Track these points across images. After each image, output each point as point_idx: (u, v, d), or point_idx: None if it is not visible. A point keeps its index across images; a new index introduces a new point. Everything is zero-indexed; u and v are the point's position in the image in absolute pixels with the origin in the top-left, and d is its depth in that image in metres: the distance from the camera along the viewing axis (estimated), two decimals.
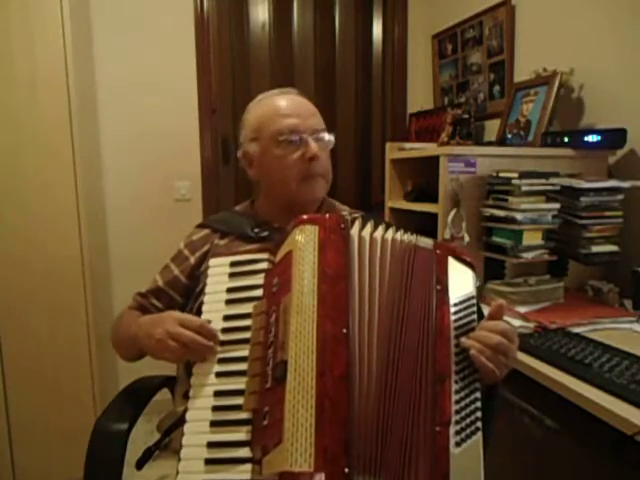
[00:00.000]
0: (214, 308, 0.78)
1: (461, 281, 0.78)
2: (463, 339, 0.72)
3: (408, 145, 1.96)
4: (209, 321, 0.75)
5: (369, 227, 0.76)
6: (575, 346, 1.08)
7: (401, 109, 2.70)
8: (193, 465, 0.65)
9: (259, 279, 0.77)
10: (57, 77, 1.76)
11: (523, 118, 1.76)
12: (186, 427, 0.68)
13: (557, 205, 1.39)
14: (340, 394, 0.62)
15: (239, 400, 0.68)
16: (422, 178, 1.87)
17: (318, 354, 0.63)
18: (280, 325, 0.68)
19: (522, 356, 1.06)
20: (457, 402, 0.68)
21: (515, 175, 1.37)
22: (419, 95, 2.68)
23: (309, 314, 0.66)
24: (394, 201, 1.96)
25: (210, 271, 0.82)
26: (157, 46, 2.29)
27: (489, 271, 1.48)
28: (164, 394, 1.07)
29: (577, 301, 1.41)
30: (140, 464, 0.87)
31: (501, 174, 1.42)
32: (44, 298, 1.82)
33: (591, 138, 1.46)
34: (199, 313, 0.78)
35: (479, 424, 0.68)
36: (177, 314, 0.79)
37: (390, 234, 0.77)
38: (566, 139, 1.50)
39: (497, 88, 2.13)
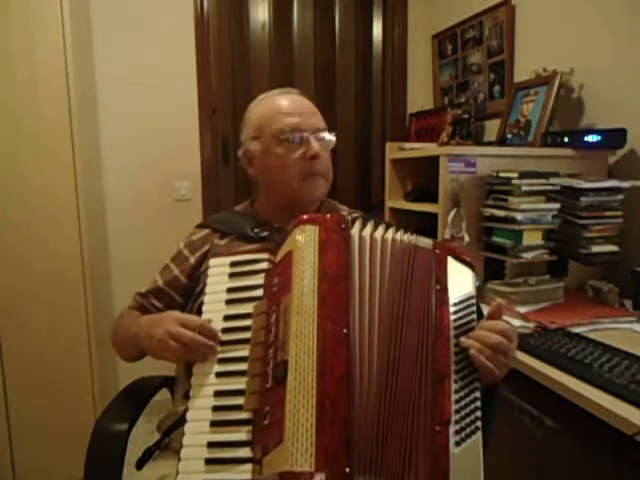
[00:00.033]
0: (214, 308, 0.78)
1: (460, 281, 0.78)
2: (463, 339, 0.73)
3: (408, 145, 1.96)
4: (209, 321, 0.75)
5: (369, 227, 0.76)
6: (575, 346, 1.08)
7: (401, 109, 2.70)
8: (193, 465, 0.65)
9: (259, 279, 0.77)
10: (57, 77, 1.76)
11: (523, 118, 1.76)
12: (186, 427, 0.68)
13: (557, 205, 1.39)
14: (341, 394, 0.62)
15: (239, 400, 0.68)
16: (422, 178, 1.87)
17: (319, 354, 0.63)
18: (280, 325, 0.68)
19: (522, 356, 1.06)
20: (457, 402, 0.68)
21: (515, 175, 1.37)
22: (419, 95, 2.68)
23: (309, 314, 0.66)
24: (394, 201, 1.96)
25: (210, 271, 0.83)
26: (157, 46, 2.29)
27: (489, 271, 1.48)
28: (164, 394, 1.07)
29: (577, 301, 1.41)
30: (140, 464, 0.87)
31: (501, 174, 1.42)
32: (44, 298, 1.82)
33: (591, 138, 1.46)
34: (199, 313, 0.78)
35: (479, 423, 0.68)
36: (177, 314, 0.79)
37: (390, 234, 0.77)
38: (566, 139, 1.50)
39: (497, 88, 2.13)
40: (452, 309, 0.75)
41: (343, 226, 0.74)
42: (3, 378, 1.81)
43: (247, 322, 0.74)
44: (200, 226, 1.06)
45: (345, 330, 0.66)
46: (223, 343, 0.74)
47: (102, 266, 2.19)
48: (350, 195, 2.71)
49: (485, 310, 0.79)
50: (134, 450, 0.87)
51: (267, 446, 0.61)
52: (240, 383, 0.69)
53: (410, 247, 0.77)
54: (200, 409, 0.69)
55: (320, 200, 1.02)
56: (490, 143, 1.96)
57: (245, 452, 0.64)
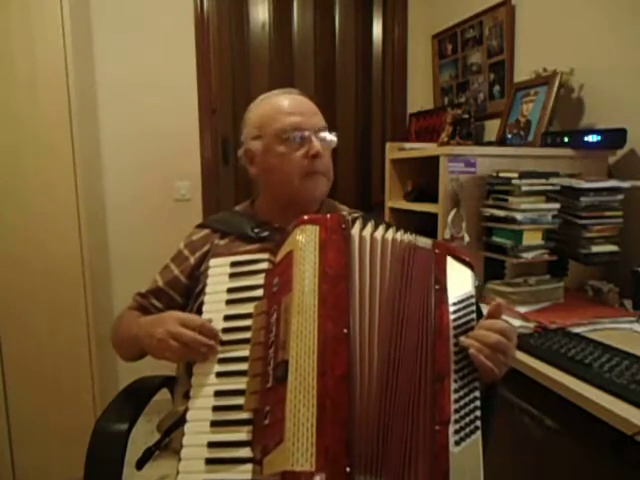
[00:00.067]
0: (214, 308, 0.78)
1: (460, 280, 0.78)
2: (462, 338, 0.73)
3: (408, 145, 1.96)
4: (210, 320, 0.75)
5: (370, 227, 0.76)
6: (575, 346, 1.08)
7: (401, 109, 2.70)
8: (194, 465, 0.65)
9: (259, 279, 0.77)
10: (57, 77, 1.76)
11: (523, 118, 1.76)
12: (187, 427, 0.69)
13: (557, 205, 1.39)
14: (341, 394, 0.62)
15: (240, 400, 0.68)
16: (422, 178, 1.87)
17: (319, 354, 0.63)
18: (281, 325, 0.68)
19: (522, 356, 1.06)
20: (456, 401, 0.68)
21: (515, 175, 1.37)
22: (419, 95, 2.68)
23: (310, 314, 0.66)
24: (394, 201, 1.96)
25: (210, 271, 0.83)
26: (157, 46, 2.29)
27: (489, 271, 1.48)
28: (164, 394, 1.07)
29: (577, 301, 1.41)
30: (140, 464, 0.87)
31: (501, 174, 1.42)
32: (44, 298, 1.82)
33: (591, 138, 1.46)
34: (199, 313, 0.78)
35: (478, 423, 0.68)
36: (178, 314, 0.79)
37: (390, 234, 0.77)
38: (566, 139, 1.50)
39: (497, 88, 2.13)
40: (451, 309, 0.75)
41: (343, 226, 0.74)
42: (3, 378, 1.81)
43: (247, 322, 0.74)
44: (200, 226, 1.06)
45: (345, 330, 0.66)
46: (223, 343, 0.74)
47: (102, 266, 2.19)
48: (350, 195, 2.71)
49: (485, 310, 0.79)
50: (134, 450, 0.88)
51: (267, 446, 0.61)
52: (240, 383, 0.69)
53: (410, 247, 0.78)
54: (200, 409, 0.69)
55: (321, 199, 1.02)
56: (490, 143, 1.96)
57: (245, 452, 0.64)
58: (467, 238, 1.45)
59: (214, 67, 2.39)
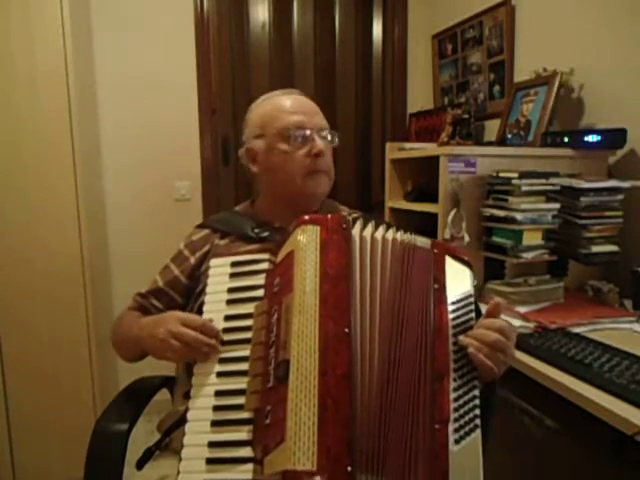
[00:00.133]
0: (215, 308, 0.78)
1: (459, 280, 0.79)
2: (461, 337, 0.73)
3: (408, 145, 1.96)
4: (211, 320, 0.75)
5: (370, 227, 0.77)
6: (575, 346, 1.08)
7: (401, 109, 2.70)
8: (194, 465, 0.65)
9: (260, 279, 0.77)
10: (57, 76, 1.76)
11: (523, 118, 1.76)
12: (187, 427, 0.69)
13: (557, 205, 1.39)
14: (342, 393, 0.62)
15: (240, 400, 0.68)
16: (422, 178, 1.87)
17: (320, 353, 0.63)
18: (282, 324, 0.68)
19: (522, 356, 1.06)
20: (456, 400, 0.69)
21: (515, 175, 1.37)
22: (419, 95, 2.68)
23: (311, 313, 0.66)
24: (394, 201, 1.96)
25: (211, 271, 0.83)
26: (157, 46, 2.28)
27: (489, 271, 1.49)
28: (164, 394, 1.07)
29: (577, 301, 1.41)
30: (140, 464, 0.87)
31: (501, 174, 1.43)
32: (44, 297, 1.82)
33: (591, 138, 1.46)
34: (200, 313, 0.78)
35: (478, 421, 0.68)
36: (179, 314, 0.79)
37: (390, 234, 0.77)
38: (566, 139, 1.50)
39: (497, 88, 2.13)
40: (450, 308, 0.75)
41: (344, 226, 0.74)
42: (3, 378, 1.81)
43: (248, 322, 0.74)
44: (200, 226, 1.06)
45: (346, 330, 0.66)
46: (224, 343, 0.74)
47: (102, 265, 2.19)
48: (350, 195, 2.71)
49: (484, 309, 0.79)
50: (134, 450, 0.87)
51: (268, 445, 0.61)
52: (241, 383, 0.69)
53: (409, 247, 0.78)
54: (201, 409, 0.69)
55: (322, 198, 1.03)
56: (490, 143, 1.96)
57: (246, 452, 0.64)
58: (467, 238, 1.45)
59: (214, 67, 2.39)
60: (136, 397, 0.98)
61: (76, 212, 1.83)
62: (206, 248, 1.00)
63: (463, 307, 0.76)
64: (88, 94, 2.10)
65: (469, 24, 2.24)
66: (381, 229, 0.78)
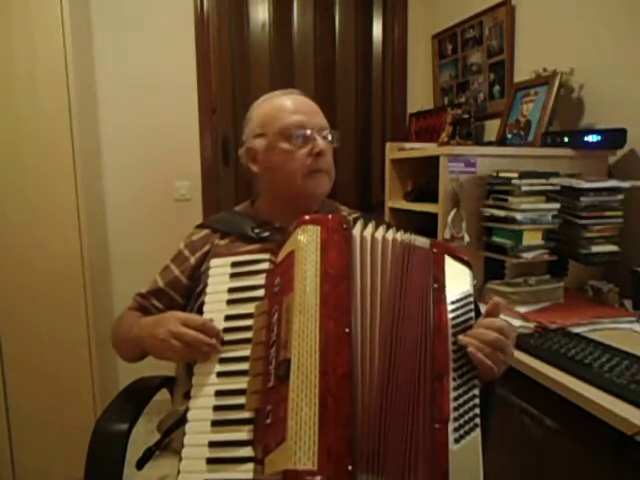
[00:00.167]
0: (215, 308, 0.78)
1: (458, 279, 0.79)
2: (461, 337, 0.73)
3: (408, 145, 1.96)
4: (211, 320, 0.75)
5: (370, 227, 0.77)
6: (575, 346, 1.08)
7: (401, 109, 2.70)
8: (195, 464, 0.65)
9: (260, 279, 0.77)
10: (57, 76, 1.76)
11: (523, 118, 1.76)
12: (187, 426, 0.69)
13: (557, 205, 1.39)
14: (343, 393, 0.62)
15: (241, 399, 0.68)
16: (422, 178, 1.87)
17: (321, 353, 0.63)
18: (282, 324, 0.68)
19: (522, 356, 1.06)
20: (455, 399, 0.69)
21: (515, 175, 1.37)
22: (419, 95, 2.68)
23: (312, 313, 0.66)
24: (394, 201, 1.96)
25: (211, 271, 0.83)
26: (157, 46, 2.29)
27: (489, 271, 1.49)
28: (164, 394, 1.07)
29: (577, 301, 1.41)
30: (140, 464, 0.87)
31: (501, 174, 1.43)
32: (44, 297, 1.82)
33: (591, 138, 1.46)
34: (200, 313, 0.78)
35: (477, 421, 0.68)
36: (179, 314, 0.79)
37: (390, 234, 0.78)
38: (566, 139, 1.51)
39: (497, 88, 2.13)
40: (450, 307, 0.75)
41: (345, 226, 0.74)
42: (3, 378, 1.81)
43: (248, 322, 0.74)
44: (200, 226, 1.06)
45: (347, 329, 0.66)
46: (224, 343, 0.74)
47: (102, 265, 2.19)
48: (350, 195, 2.71)
49: (484, 309, 0.79)
50: (134, 450, 0.87)
51: (269, 445, 0.61)
52: (241, 383, 0.69)
53: (409, 247, 0.78)
54: (201, 408, 0.69)
55: (322, 197, 1.03)
56: (490, 143, 1.96)
57: (246, 451, 0.64)
58: (467, 238, 1.45)
59: (214, 67, 2.39)
60: (136, 397, 0.98)
61: (76, 212, 1.83)
62: (206, 248, 1.00)
63: (463, 307, 0.76)
64: (88, 94, 2.10)
65: (469, 24, 2.24)
66: (381, 229, 0.78)
